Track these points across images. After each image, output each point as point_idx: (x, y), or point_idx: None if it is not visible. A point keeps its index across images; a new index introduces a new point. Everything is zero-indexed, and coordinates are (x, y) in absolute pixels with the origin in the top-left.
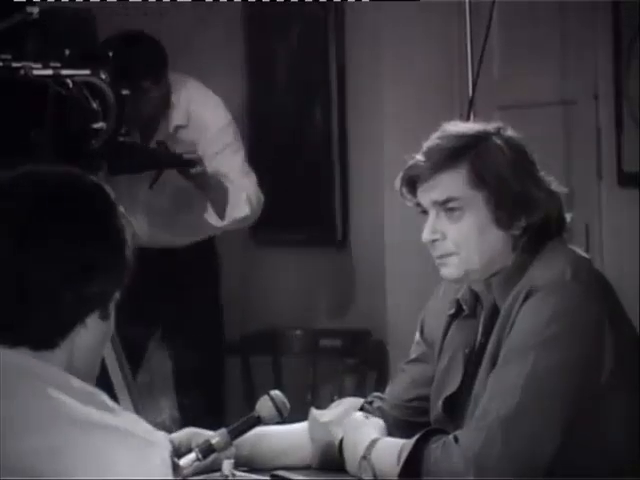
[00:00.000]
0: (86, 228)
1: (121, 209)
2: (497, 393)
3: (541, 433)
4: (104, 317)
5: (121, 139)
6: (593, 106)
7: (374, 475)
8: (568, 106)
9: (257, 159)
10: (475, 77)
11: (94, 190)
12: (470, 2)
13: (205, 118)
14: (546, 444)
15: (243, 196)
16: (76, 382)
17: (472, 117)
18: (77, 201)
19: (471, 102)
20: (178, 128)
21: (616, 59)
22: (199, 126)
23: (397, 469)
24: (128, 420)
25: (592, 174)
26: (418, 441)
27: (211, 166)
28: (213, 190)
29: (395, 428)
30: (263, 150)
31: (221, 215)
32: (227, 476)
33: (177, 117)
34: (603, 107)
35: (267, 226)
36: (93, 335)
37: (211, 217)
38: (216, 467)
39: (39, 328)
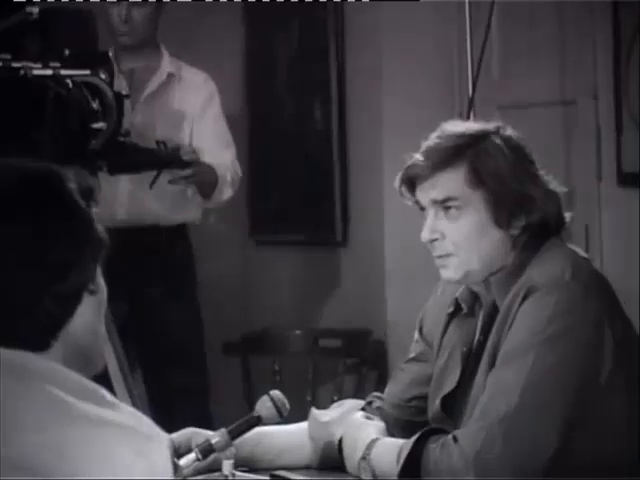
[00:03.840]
0: (44, 224)
1: (75, 185)
2: (497, 392)
3: (541, 433)
4: (92, 293)
5: (121, 139)
6: (593, 106)
7: (373, 475)
8: (568, 106)
9: (257, 159)
10: (475, 77)
11: (42, 178)
12: (470, 2)
13: (197, 80)
14: (546, 443)
15: (228, 178)
16: (75, 378)
17: (472, 117)
18: (27, 195)
19: (471, 102)
20: (171, 77)
21: (616, 59)
22: (191, 84)
23: (396, 469)
24: (128, 415)
25: (592, 174)
26: (417, 441)
27: (197, 137)
28: (202, 180)
29: (395, 428)
30: (263, 150)
31: (207, 197)
32: (227, 476)
33: (169, 66)
34: (603, 107)
35: (267, 226)
36: (87, 313)
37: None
38: (216, 467)
39: (28, 337)
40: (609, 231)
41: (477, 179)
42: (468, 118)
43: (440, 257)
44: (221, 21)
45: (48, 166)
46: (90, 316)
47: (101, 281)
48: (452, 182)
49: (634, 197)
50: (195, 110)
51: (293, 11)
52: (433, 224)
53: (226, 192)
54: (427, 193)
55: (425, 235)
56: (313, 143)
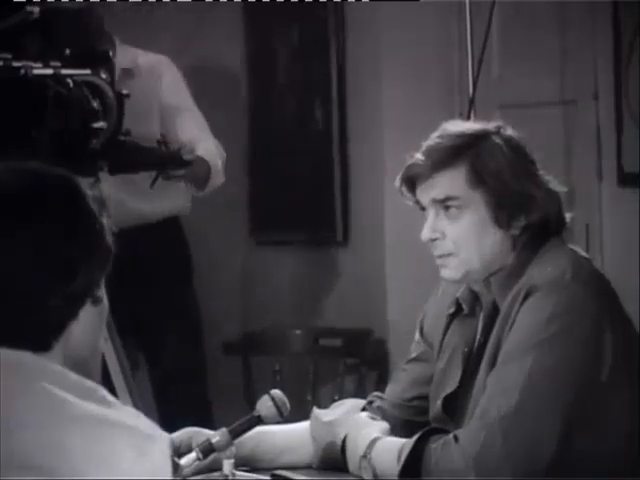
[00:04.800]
0: (59, 226)
1: (91, 192)
2: (497, 392)
3: (541, 432)
4: (95, 302)
5: (122, 138)
6: (593, 106)
7: (374, 474)
8: (568, 106)
9: (257, 159)
10: (475, 77)
11: (60, 183)
12: (470, 2)
13: (159, 67)
14: (546, 443)
15: (219, 166)
16: (75, 378)
17: (472, 116)
18: (45, 198)
19: (471, 102)
20: (126, 72)
21: (616, 59)
22: (152, 74)
23: (397, 468)
24: (128, 415)
25: (592, 174)
26: (418, 440)
27: (179, 130)
28: (198, 174)
29: (396, 428)
30: (263, 150)
31: (201, 188)
32: (227, 476)
33: (123, 60)
34: (603, 107)
35: (267, 226)
36: (88, 323)
37: (190, 188)
38: (216, 467)
39: (30, 337)
40: (609, 231)
41: (477, 179)
42: (468, 118)
43: (440, 257)
44: (221, 21)
45: (66, 171)
46: (91, 326)
47: (104, 294)
48: (452, 182)
49: (634, 197)
50: (161, 97)
51: (293, 11)
52: (433, 224)
53: (219, 179)
54: (427, 193)
55: (425, 234)
56: (313, 143)
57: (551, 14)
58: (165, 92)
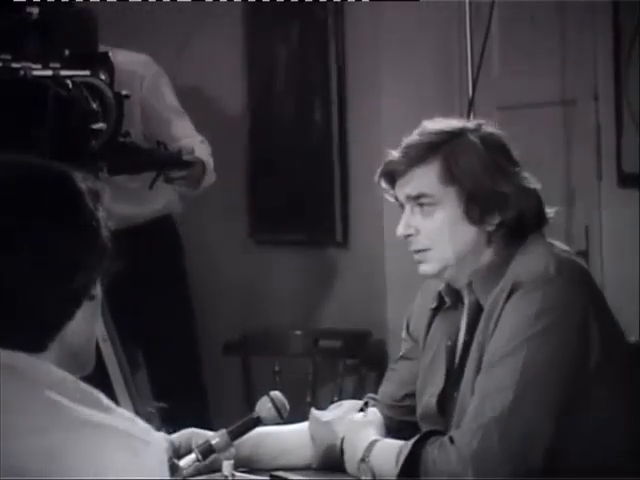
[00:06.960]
0: (58, 225)
1: (86, 186)
2: (490, 391)
3: (536, 429)
4: (91, 299)
5: (121, 140)
6: (593, 106)
7: (373, 477)
8: (568, 106)
9: (257, 159)
10: (475, 77)
11: (58, 180)
12: (470, 2)
13: (140, 67)
14: (541, 440)
15: (211, 163)
16: (71, 381)
17: (472, 117)
18: (43, 197)
19: (471, 102)
20: None
21: (616, 59)
22: (132, 74)
23: (396, 470)
24: (124, 419)
25: (592, 174)
26: (416, 443)
27: (167, 129)
28: (195, 175)
29: (392, 428)
30: (263, 150)
31: (196, 188)
32: (227, 477)
33: None
34: (603, 107)
35: (267, 226)
36: (83, 319)
37: (184, 188)
38: (216, 468)
39: (26, 338)
40: (609, 231)
41: (449, 176)
42: (468, 118)
43: (417, 252)
44: (221, 21)
45: (63, 167)
46: (86, 321)
47: (99, 290)
48: (425, 178)
49: (634, 198)
50: (143, 98)
51: (293, 11)
52: (408, 220)
53: (212, 178)
54: (403, 189)
55: (400, 230)
56: (313, 143)
57: (551, 14)
58: (147, 92)
